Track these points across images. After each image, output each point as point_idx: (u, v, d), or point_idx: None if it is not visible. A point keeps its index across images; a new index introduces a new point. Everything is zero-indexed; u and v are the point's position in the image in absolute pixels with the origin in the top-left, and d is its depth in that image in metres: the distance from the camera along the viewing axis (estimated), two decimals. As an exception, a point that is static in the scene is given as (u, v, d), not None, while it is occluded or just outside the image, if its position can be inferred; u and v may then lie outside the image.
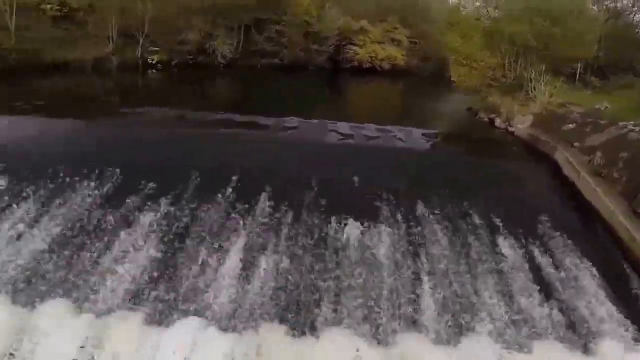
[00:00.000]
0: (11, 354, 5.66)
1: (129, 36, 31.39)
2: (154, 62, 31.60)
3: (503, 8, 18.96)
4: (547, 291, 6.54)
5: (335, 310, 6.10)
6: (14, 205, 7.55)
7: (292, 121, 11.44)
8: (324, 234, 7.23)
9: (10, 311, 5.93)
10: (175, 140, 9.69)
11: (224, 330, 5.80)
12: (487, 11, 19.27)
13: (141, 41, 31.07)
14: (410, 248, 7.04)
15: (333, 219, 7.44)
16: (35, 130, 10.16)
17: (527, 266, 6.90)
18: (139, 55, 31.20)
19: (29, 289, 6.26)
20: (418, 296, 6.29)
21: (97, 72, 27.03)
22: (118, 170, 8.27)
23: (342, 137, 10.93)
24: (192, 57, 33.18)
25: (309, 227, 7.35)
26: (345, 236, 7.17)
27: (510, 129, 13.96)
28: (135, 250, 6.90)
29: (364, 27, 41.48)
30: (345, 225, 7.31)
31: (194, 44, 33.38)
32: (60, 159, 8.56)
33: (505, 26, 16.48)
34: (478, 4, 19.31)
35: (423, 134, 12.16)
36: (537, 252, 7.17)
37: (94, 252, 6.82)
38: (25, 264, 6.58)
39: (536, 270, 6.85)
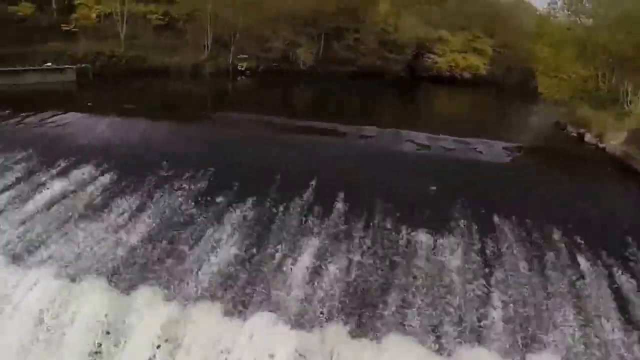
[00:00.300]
0: (107, 332, 6.34)
1: (221, 44, 33.57)
2: (242, 69, 33.57)
3: (597, 17, 17.95)
4: (625, 316, 6.21)
5: (399, 316, 6.23)
6: (119, 199, 8.51)
7: (370, 130, 11.71)
8: (394, 241, 7.38)
9: (109, 294, 6.62)
10: (262, 144, 10.35)
11: (293, 326, 6.10)
12: (579, 20, 18.30)
13: (232, 49, 33.09)
14: (483, 260, 6.98)
15: (405, 227, 7.58)
16: (140, 131, 11.37)
17: (607, 288, 6.58)
18: (230, 62, 33.26)
19: (126, 275, 6.99)
20: (486, 309, 6.25)
21: (194, 77, 29.22)
22: (210, 171, 9.00)
23: (418, 147, 11.01)
24: (276, 64, 34.75)
25: (380, 234, 7.53)
26: (416, 244, 7.27)
27: (601, 145, 13.20)
28: (220, 245, 7.46)
29: (442, 36, 40.84)
30: (417, 233, 7.42)
31: (278, 51, 34.94)
32: (160, 158, 9.50)
33: (600, 36, 15.62)
34: (569, 12, 18.37)
35: (504, 147, 11.90)
36: (619, 275, 6.80)
37: (184, 245, 7.47)
38: (125, 253, 7.36)
39: (617, 293, 6.52)
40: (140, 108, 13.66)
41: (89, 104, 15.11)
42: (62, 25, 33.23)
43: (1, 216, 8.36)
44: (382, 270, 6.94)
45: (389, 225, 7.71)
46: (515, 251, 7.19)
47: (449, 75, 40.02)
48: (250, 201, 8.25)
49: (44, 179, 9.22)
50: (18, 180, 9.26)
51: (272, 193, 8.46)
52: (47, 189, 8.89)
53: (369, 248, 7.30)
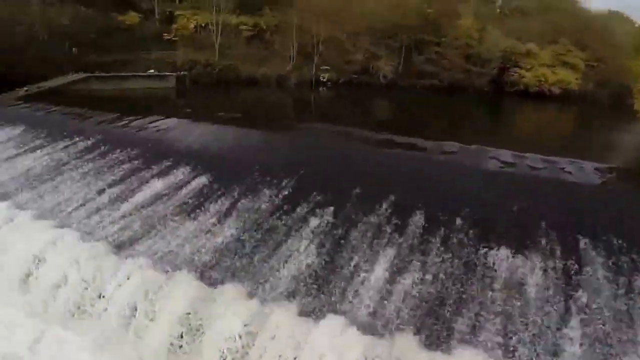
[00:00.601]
0: (190, 323, 6.83)
1: (305, 55, 34.75)
2: (324, 80, 34.54)
3: None
4: None
5: (472, 331, 6.16)
6: (210, 201, 9.19)
7: (451, 145, 11.54)
8: (472, 257, 7.30)
9: (197, 288, 7.14)
10: (342, 156, 10.60)
11: (363, 331, 6.23)
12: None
13: (315, 60, 34.14)
14: (564, 282, 6.72)
15: (484, 244, 7.46)
16: (231, 138, 12.11)
17: None
18: (313, 73, 34.33)
19: (213, 272, 7.53)
20: (563, 332, 6.03)
21: (279, 87, 30.48)
22: (293, 180, 9.44)
23: (502, 165, 10.68)
24: (356, 76, 35.30)
25: (457, 250, 7.48)
26: (494, 262, 7.14)
27: None
28: (299, 251, 7.83)
29: (530, 50, 39.08)
30: (496, 251, 7.28)
31: (358, 63, 35.45)
32: (248, 165, 10.12)
33: None
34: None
35: (596, 168, 11.18)
36: None
37: (267, 248, 7.94)
38: (213, 251, 7.93)
39: None
40: (232, 116, 14.55)
41: (187, 110, 16.27)
42: (164, 34, 36.17)
43: (107, 209, 9.43)
44: (457, 284, 6.90)
45: (467, 242, 7.62)
46: (600, 275, 6.82)
47: (537, 90, 38.19)
48: (330, 210, 8.55)
49: (145, 177, 10.27)
50: (123, 178, 10.43)
51: (351, 204, 8.69)
52: (148, 187, 9.88)
53: (445, 262, 7.28)
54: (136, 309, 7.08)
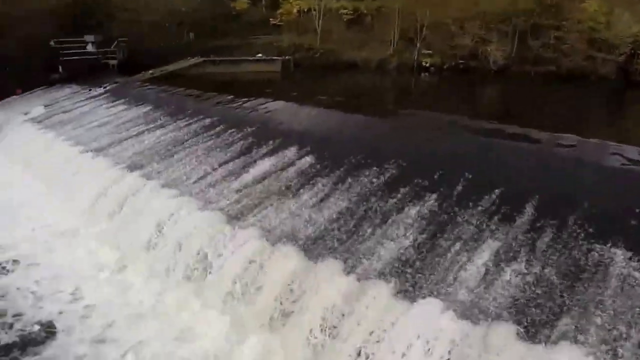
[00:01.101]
0: (291, 294, 7.28)
1: (407, 39, 34.20)
2: (427, 65, 33.72)
3: None
4: None
5: (576, 329, 5.83)
6: (314, 180, 9.65)
7: (569, 138, 10.77)
8: (584, 256, 6.89)
9: (299, 261, 7.59)
10: (448, 144, 10.43)
11: (459, 317, 6.16)
12: None
13: (418, 45, 33.41)
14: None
15: (599, 243, 7.00)
16: (335, 121, 12.53)
17: None
18: (415, 58, 33.70)
19: (316, 247, 7.91)
20: None
21: (379, 72, 30.43)
22: (395, 165, 9.54)
23: (626, 162, 9.79)
24: (463, 61, 33.92)
25: (568, 246, 7.10)
26: (608, 262, 6.68)
27: None
28: (399, 234, 7.92)
29: (667, 35, 34.52)
30: (611, 251, 6.81)
31: (465, 48, 33.98)
32: (351, 148, 10.41)
33: None
34: None
35: None
36: None
37: (366, 229, 8.13)
38: (316, 228, 8.31)
39: None
40: (335, 100, 14.96)
41: (293, 93, 17.06)
42: (270, 19, 37.90)
43: (222, 184, 10.31)
44: (564, 281, 6.56)
45: (579, 239, 7.20)
46: None
47: (675, 80, 33.86)
48: (432, 197, 8.53)
49: (257, 155, 11.08)
50: (237, 155, 11.37)
51: (455, 192, 8.58)
52: (259, 164, 10.65)
53: (553, 258, 6.95)
54: (242, 278, 7.71)
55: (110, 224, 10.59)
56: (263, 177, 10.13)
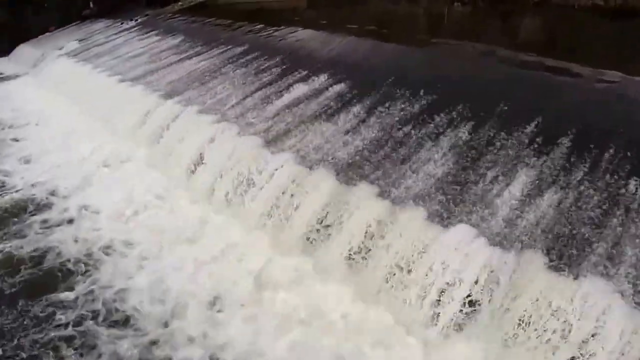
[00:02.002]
0: (326, 217, 7.49)
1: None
2: (461, -9, 31.88)
3: None
4: None
5: (606, 262, 5.85)
6: (347, 107, 9.71)
7: (612, 75, 10.35)
8: (619, 190, 6.79)
9: (334, 184, 7.77)
10: (484, 74, 10.18)
11: (491, 243, 6.28)
12: None
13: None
14: None
15: (635, 178, 6.84)
16: (366, 50, 12.33)
17: None
18: (447, -16, 31.93)
19: (350, 172, 8.05)
20: None
21: (410, 1, 29.06)
22: (429, 93, 9.39)
23: (672, 100, 9.42)
24: (500, -10, 32.00)
25: (604, 179, 7.01)
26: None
27: None
28: (433, 160, 7.95)
29: None
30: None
31: (505, -23, 31.95)
32: (383, 76, 10.30)
33: None
34: None
35: None
36: None
37: (400, 155, 8.20)
38: (350, 153, 8.42)
39: None
40: (365, 28, 14.59)
41: (322, 22, 16.65)
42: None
43: (258, 109, 10.47)
44: (598, 213, 6.52)
45: (616, 173, 7.07)
46: None
47: None
48: (467, 125, 8.45)
49: (289, 82, 11.14)
50: (271, 81, 11.45)
51: (490, 122, 8.47)
52: (292, 90, 10.75)
53: (588, 189, 6.89)
54: (280, 199, 7.99)
55: (153, 148, 11.02)
56: (297, 103, 10.21)
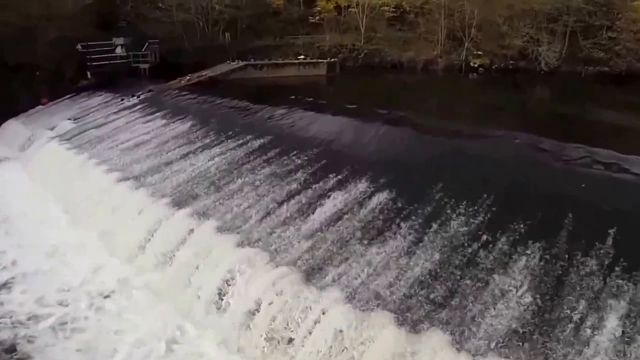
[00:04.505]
0: None
1: (453, 39, 32.38)
2: (475, 66, 31.86)
3: None
4: None
5: None
6: (395, 222, 8.22)
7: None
8: None
9: (398, 331, 6.39)
10: (544, 176, 8.93)
11: None
12: None
13: (466, 44, 31.53)
14: None
15: None
16: (405, 141, 11.03)
17: None
18: (463, 58, 31.85)
19: (412, 312, 6.64)
20: None
21: (425, 73, 28.73)
22: (488, 202, 8.10)
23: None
24: (513, 62, 32.07)
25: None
26: None
27: None
28: (507, 295, 6.60)
29: None
30: None
31: (515, 48, 32.06)
32: (431, 179, 8.94)
33: None
34: None
35: None
36: None
37: (468, 288, 6.81)
38: (409, 287, 7.02)
39: None
40: (398, 114, 13.41)
41: (348, 105, 14.99)
42: (309, 17, 36.24)
43: (289, 227, 8.74)
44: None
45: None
46: None
47: None
48: (537, 245, 7.14)
49: (324, 188, 9.53)
50: (301, 187, 9.78)
51: (561, 237, 7.20)
52: (328, 201, 9.10)
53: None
54: (332, 348, 6.50)
55: (162, 274, 9.09)
56: (336, 218, 8.58)
